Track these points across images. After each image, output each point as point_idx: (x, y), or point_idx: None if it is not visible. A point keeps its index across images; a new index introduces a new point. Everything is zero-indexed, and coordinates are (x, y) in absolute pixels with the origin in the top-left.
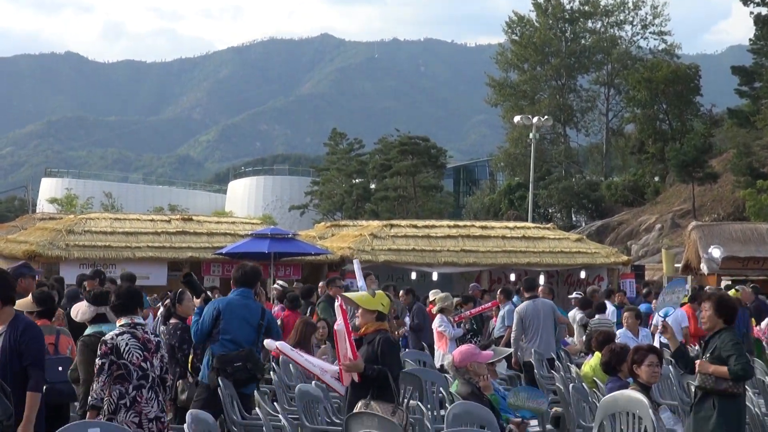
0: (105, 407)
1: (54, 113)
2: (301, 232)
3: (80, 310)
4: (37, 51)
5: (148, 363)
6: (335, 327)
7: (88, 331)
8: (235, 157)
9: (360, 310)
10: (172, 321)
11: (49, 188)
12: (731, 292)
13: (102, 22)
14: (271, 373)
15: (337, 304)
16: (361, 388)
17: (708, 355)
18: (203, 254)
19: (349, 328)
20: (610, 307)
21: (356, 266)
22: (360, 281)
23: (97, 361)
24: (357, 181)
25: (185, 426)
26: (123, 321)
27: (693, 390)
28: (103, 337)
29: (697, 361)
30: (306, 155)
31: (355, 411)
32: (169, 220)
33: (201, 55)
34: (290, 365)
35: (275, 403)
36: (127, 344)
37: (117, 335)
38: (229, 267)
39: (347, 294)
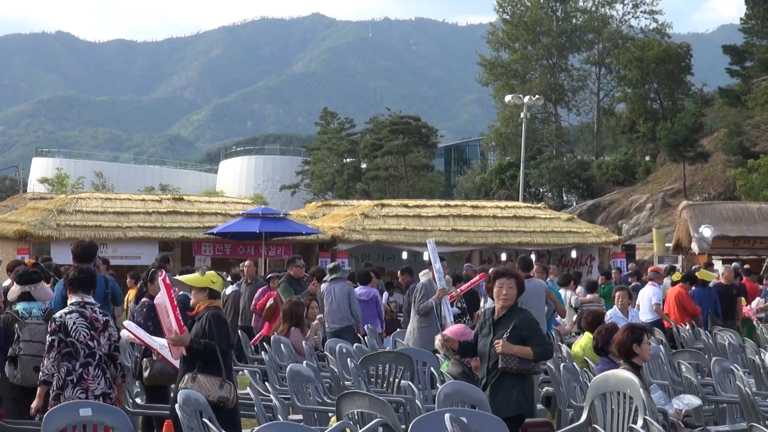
0: (54, 383)
1: (45, 93)
2: (293, 211)
3: (12, 289)
4: (27, 30)
5: (95, 341)
6: (155, 301)
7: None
8: (226, 136)
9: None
10: (143, 300)
11: (39, 168)
12: (698, 274)
13: (93, 2)
14: (263, 353)
15: (160, 278)
16: (189, 362)
17: (507, 334)
18: (194, 234)
19: (173, 303)
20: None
21: (431, 247)
22: (437, 264)
23: (48, 338)
24: (348, 160)
25: (176, 406)
26: (73, 299)
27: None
28: (54, 315)
29: (498, 342)
30: (297, 135)
31: (182, 384)
32: (160, 199)
33: (192, 35)
34: (281, 345)
35: (266, 383)
36: (74, 323)
37: (66, 314)
38: (221, 247)
39: (178, 277)
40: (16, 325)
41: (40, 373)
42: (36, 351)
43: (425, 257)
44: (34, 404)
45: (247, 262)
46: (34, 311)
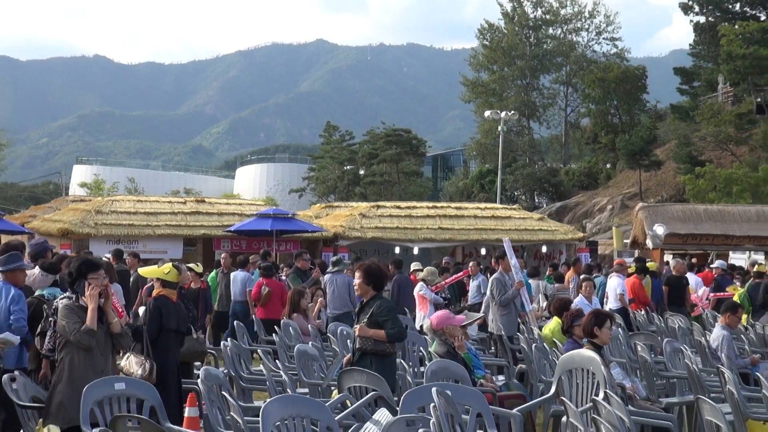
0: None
1: (84, 109)
2: (300, 212)
3: (35, 277)
4: (68, 54)
5: None
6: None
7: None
8: (242, 146)
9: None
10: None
11: (79, 174)
12: (649, 265)
13: (126, 29)
14: (274, 335)
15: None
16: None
17: (366, 320)
18: (214, 231)
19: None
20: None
21: (507, 245)
22: (513, 259)
23: (50, 319)
24: (348, 167)
25: (199, 380)
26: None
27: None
28: (55, 300)
29: (356, 326)
30: (304, 145)
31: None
32: (185, 201)
33: (212, 58)
34: (290, 328)
35: (277, 361)
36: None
37: (60, 299)
38: (237, 243)
39: (139, 270)
40: (44, 306)
41: (43, 349)
42: None
43: (415, 251)
44: (41, 374)
45: (223, 255)
46: (57, 295)
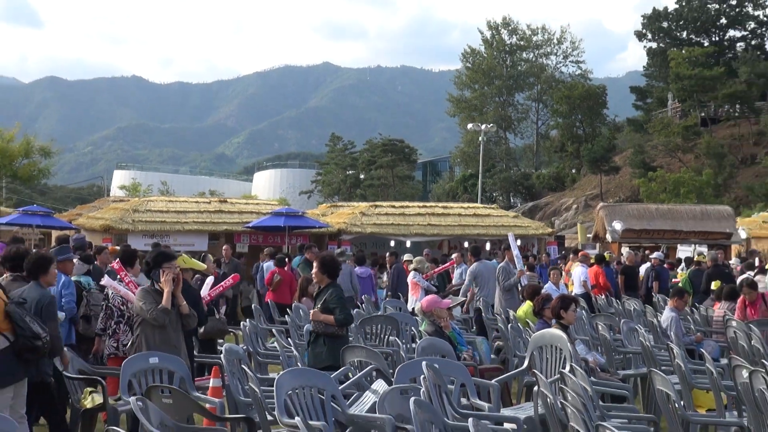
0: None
1: (122, 122)
2: (309, 211)
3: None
4: (110, 74)
5: (125, 306)
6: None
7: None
8: (258, 154)
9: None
10: (196, 276)
11: (119, 178)
12: (606, 255)
13: (159, 54)
14: (286, 316)
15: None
16: None
17: (320, 306)
18: (235, 227)
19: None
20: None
21: (511, 239)
22: (515, 251)
23: (102, 303)
24: (350, 172)
25: (222, 355)
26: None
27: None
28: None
29: (311, 311)
30: (312, 153)
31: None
32: (209, 201)
33: (233, 78)
34: (300, 311)
35: (289, 339)
36: (112, 293)
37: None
38: (255, 237)
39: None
40: (84, 292)
41: (96, 329)
42: (96, 312)
43: (407, 244)
44: (94, 349)
45: (225, 247)
46: (92, 283)
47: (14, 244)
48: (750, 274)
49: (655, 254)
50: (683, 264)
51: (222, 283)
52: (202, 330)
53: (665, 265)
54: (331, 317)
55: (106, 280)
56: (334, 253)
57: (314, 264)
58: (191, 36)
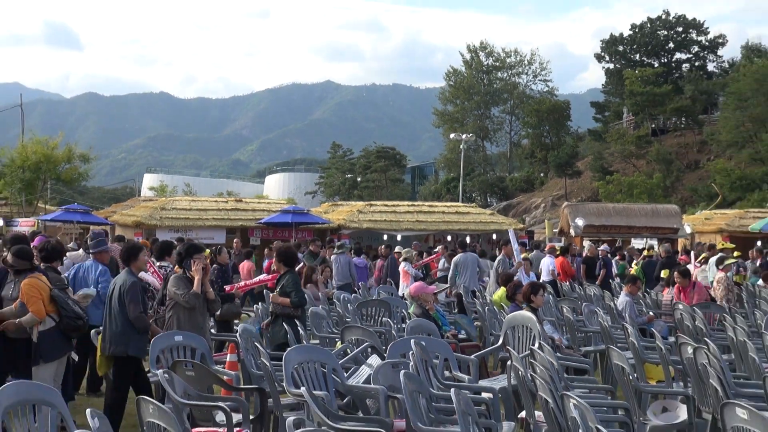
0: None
1: (152, 132)
2: (313, 209)
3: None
4: (141, 91)
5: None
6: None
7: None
8: (270, 160)
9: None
10: (214, 266)
11: (149, 180)
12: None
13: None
14: None
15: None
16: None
17: (278, 290)
18: (249, 223)
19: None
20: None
21: (511, 235)
22: (515, 245)
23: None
24: (348, 176)
25: (237, 335)
26: (157, 264)
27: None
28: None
29: (271, 295)
30: (316, 159)
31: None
32: (227, 201)
33: (247, 94)
34: (306, 295)
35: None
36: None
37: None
38: (266, 232)
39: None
40: None
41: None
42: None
43: (398, 238)
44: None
45: (236, 240)
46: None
47: (17, 242)
48: (696, 264)
49: (601, 246)
50: (628, 255)
51: (257, 279)
52: (219, 312)
53: (614, 256)
54: (287, 300)
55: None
56: (291, 245)
57: (274, 255)
58: (211, 58)
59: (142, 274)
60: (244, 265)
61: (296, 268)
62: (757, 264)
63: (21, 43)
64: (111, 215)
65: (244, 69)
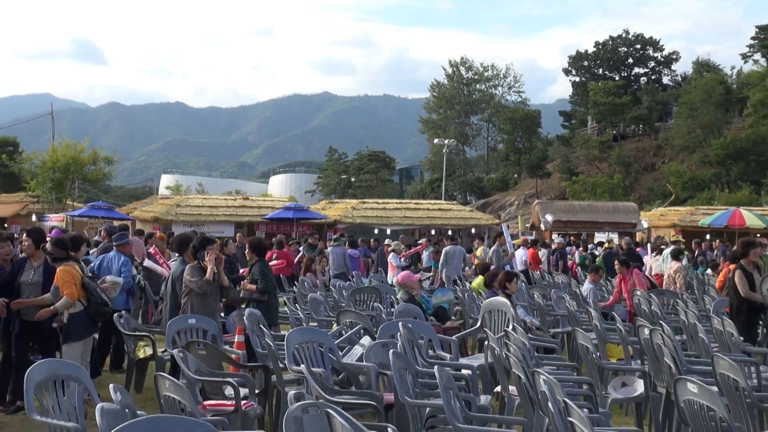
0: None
1: (168, 137)
2: (312, 206)
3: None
4: (159, 100)
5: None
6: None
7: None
8: (273, 162)
9: None
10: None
11: (166, 180)
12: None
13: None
14: (294, 286)
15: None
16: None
17: (249, 278)
18: (255, 219)
19: (221, 258)
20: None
21: (504, 229)
22: (508, 238)
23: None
24: (343, 176)
25: (244, 317)
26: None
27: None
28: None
29: (242, 282)
30: (315, 161)
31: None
32: (235, 199)
33: (253, 104)
34: (305, 283)
35: (296, 304)
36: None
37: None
38: (270, 226)
39: None
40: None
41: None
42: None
43: (388, 232)
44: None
45: (239, 234)
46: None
47: (35, 233)
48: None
49: (557, 240)
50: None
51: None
52: (225, 299)
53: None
54: (254, 286)
55: (146, 262)
56: (262, 237)
57: (247, 245)
58: (221, 71)
59: (152, 265)
60: (280, 254)
61: (266, 256)
62: (707, 255)
63: (51, 58)
64: (132, 211)
65: (250, 81)
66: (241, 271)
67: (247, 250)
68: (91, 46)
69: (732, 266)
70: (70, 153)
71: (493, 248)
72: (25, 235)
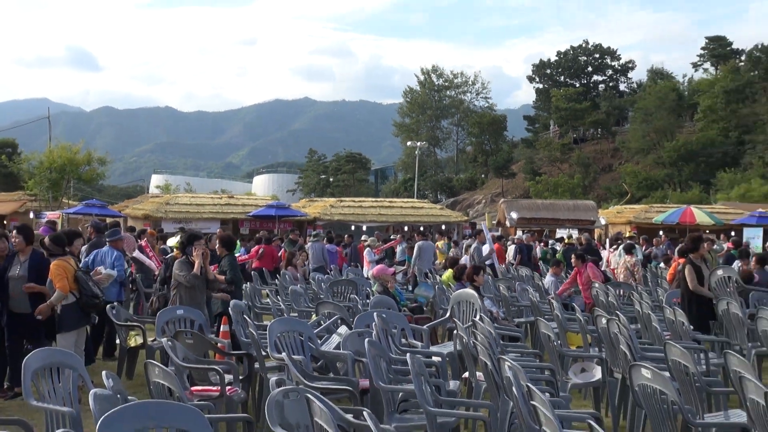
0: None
1: (158, 139)
2: (293, 204)
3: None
4: (149, 105)
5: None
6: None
7: None
8: (257, 164)
9: None
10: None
11: (156, 180)
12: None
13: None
14: (276, 279)
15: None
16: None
17: (218, 270)
18: (239, 216)
19: (207, 253)
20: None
21: (484, 227)
22: (487, 234)
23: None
24: (322, 176)
25: (229, 308)
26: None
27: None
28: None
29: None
30: (296, 162)
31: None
32: (221, 197)
33: (237, 108)
34: (287, 276)
35: (278, 296)
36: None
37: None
38: (254, 223)
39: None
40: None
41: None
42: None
43: (364, 228)
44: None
45: (219, 230)
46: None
47: (24, 230)
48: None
49: (518, 235)
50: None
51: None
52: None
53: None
54: (223, 277)
55: (137, 254)
56: (230, 234)
57: (217, 241)
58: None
59: (141, 256)
60: (265, 249)
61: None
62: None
63: (48, 65)
64: (124, 209)
65: (235, 87)
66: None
67: (217, 245)
68: (86, 53)
69: (682, 260)
70: (65, 154)
71: (474, 245)
72: (15, 231)
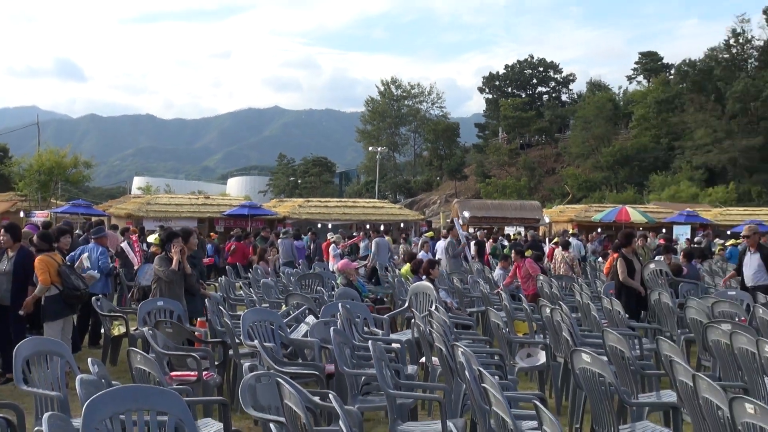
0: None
1: (140, 144)
2: (264, 204)
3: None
4: (132, 113)
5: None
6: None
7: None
8: (231, 167)
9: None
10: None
11: (137, 182)
12: (451, 234)
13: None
14: (249, 273)
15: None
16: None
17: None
18: (215, 215)
19: (185, 249)
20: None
21: (456, 223)
22: (460, 231)
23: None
24: (291, 179)
25: (206, 300)
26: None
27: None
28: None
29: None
30: (267, 166)
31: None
32: (198, 198)
33: (213, 116)
34: (258, 270)
35: (250, 289)
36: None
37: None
38: (228, 222)
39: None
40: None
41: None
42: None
43: (329, 226)
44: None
45: (194, 227)
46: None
47: (11, 228)
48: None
49: (469, 234)
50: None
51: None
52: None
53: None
54: (188, 268)
55: (124, 245)
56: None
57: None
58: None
59: (127, 249)
60: (237, 245)
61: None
62: (596, 245)
63: (37, 75)
64: (108, 209)
65: (211, 96)
66: (205, 259)
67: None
68: (73, 65)
69: (616, 255)
70: (53, 158)
71: (448, 240)
72: (3, 230)
